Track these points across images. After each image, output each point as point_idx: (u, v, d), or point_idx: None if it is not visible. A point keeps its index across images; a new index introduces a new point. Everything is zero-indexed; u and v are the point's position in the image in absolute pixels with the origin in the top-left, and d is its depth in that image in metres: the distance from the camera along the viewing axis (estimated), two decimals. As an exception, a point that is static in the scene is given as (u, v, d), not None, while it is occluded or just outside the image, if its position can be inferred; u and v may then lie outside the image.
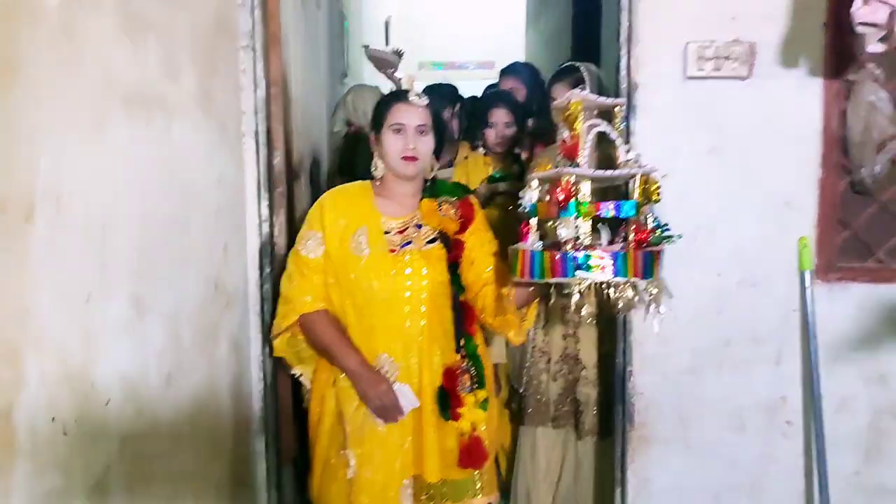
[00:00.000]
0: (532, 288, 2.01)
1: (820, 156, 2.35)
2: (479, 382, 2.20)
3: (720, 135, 2.35)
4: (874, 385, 2.42)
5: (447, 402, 2.13)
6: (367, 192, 2.21)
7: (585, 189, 1.72)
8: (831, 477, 2.39)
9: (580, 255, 1.73)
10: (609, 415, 2.67)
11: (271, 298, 2.34)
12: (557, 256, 1.73)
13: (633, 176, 1.80)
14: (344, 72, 4.84)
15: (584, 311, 1.76)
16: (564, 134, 1.82)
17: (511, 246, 1.86)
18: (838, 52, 2.24)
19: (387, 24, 7.98)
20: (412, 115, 2.13)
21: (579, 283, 1.73)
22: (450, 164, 3.27)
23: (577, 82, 2.61)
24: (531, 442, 2.87)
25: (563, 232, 1.77)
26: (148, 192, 1.59)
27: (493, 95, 3.44)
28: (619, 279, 1.73)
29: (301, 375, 2.28)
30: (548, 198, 1.78)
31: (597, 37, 3.53)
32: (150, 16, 1.59)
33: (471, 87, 4.25)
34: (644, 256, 1.75)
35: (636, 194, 1.80)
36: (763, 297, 2.40)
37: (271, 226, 2.40)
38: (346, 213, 2.15)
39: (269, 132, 2.39)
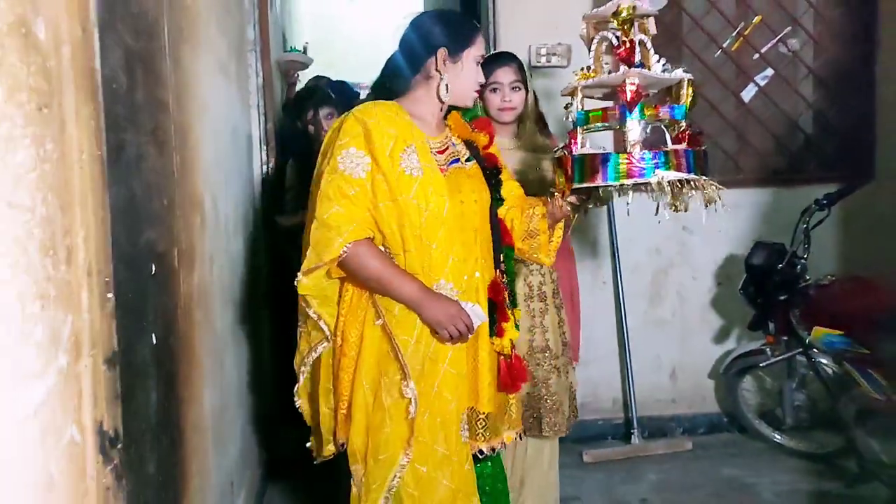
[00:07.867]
0: (566, 206, 1.96)
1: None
2: (513, 301, 2.09)
3: (554, 105, 3.68)
4: (653, 254, 3.82)
5: (494, 316, 1.98)
6: (401, 111, 1.99)
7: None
8: (630, 315, 3.75)
9: (660, 154, 1.68)
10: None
11: (261, 197, 3.54)
12: (637, 157, 1.67)
13: (681, 80, 1.82)
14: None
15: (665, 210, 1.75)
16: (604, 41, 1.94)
17: (565, 154, 1.83)
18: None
19: (305, 50, 9.08)
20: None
21: (659, 182, 1.67)
22: None
23: (518, 65, 2.74)
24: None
25: (634, 134, 1.71)
26: (228, 119, 2.84)
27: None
28: (695, 176, 1.69)
29: (320, 319, 2.01)
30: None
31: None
32: (223, 23, 2.86)
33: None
34: (704, 154, 1.75)
35: (683, 98, 1.81)
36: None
37: (267, 164, 3.65)
38: (391, 129, 1.91)
39: (265, 107, 3.65)
